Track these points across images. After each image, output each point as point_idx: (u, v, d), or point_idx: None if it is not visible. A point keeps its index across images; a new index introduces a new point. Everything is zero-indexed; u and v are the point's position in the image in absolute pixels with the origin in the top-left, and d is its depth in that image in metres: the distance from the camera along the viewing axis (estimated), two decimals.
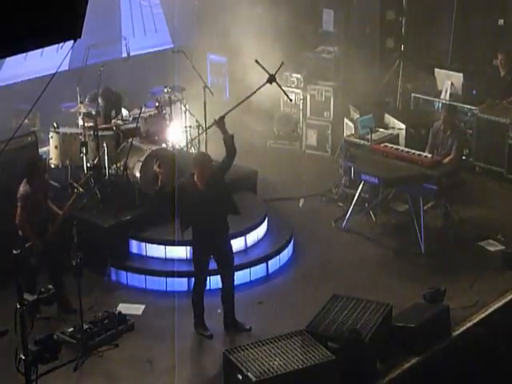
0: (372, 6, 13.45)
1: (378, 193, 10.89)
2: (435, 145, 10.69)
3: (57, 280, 8.44)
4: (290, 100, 11.72)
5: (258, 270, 9.48)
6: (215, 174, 8.14)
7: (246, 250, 9.71)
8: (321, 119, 13.09)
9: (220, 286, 8.49)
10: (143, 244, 9.60)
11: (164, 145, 10.62)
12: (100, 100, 10.60)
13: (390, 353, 7.81)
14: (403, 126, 11.71)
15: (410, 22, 13.37)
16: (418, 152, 10.39)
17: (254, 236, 9.83)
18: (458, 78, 12.47)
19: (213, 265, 8.42)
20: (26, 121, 10.08)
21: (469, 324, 8.50)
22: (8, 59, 10.06)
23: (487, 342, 8.29)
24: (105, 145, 10.20)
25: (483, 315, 8.67)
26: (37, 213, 8.43)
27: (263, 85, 8.72)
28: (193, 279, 8.68)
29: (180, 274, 9.20)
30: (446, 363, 7.96)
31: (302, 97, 13.22)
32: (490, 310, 8.77)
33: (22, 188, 8.44)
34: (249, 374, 6.90)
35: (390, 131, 11.73)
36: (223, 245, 8.27)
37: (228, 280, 8.34)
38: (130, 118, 10.77)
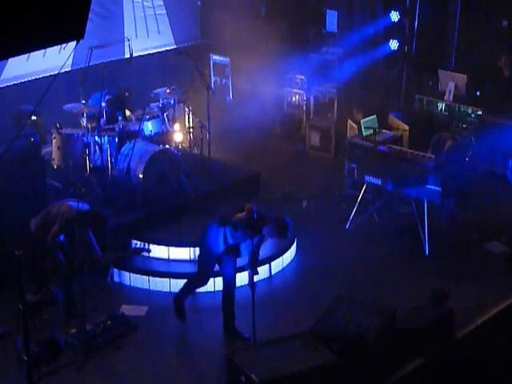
0: (375, 7, 13.44)
1: (382, 194, 10.87)
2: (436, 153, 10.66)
3: (68, 284, 8.44)
4: None
5: (260, 272, 9.44)
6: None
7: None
8: (324, 120, 13.08)
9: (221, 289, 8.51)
10: (146, 245, 9.57)
11: (167, 146, 10.60)
12: (103, 101, 10.59)
13: (393, 355, 7.78)
14: (407, 127, 11.68)
15: (414, 22, 13.36)
16: (421, 153, 10.37)
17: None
18: (461, 79, 12.45)
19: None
20: (34, 117, 10.07)
21: (472, 326, 8.47)
22: (11, 60, 10.04)
23: (491, 343, 8.26)
24: (108, 146, 10.19)
25: (487, 317, 8.64)
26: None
27: None
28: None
29: (183, 276, 9.20)
30: (450, 365, 7.93)
31: (305, 98, 13.21)
32: (493, 312, 8.73)
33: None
34: (252, 375, 6.88)
35: (393, 132, 11.70)
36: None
37: (224, 289, 8.36)
38: (133, 119, 10.76)
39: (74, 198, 8.66)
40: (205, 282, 8.55)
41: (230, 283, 8.32)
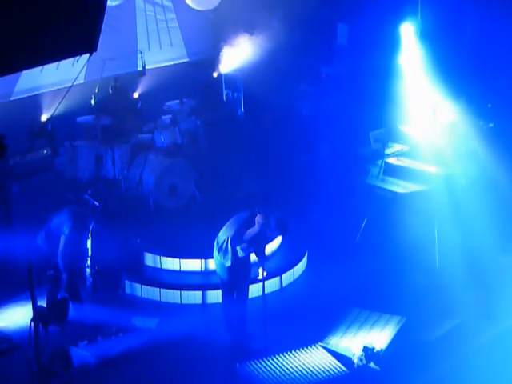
0: (386, 19, 13.45)
1: (392, 206, 10.84)
2: None
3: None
4: None
5: (272, 284, 9.45)
6: None
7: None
8: None
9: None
10: (158, 257, 9.60)
11: (179, 158, 10.64)
12: (115, 113, 10.66)
13: (404, 366, 7.77)
14: (419, 139, 11.65)
15: (425, 33, 13.36)
16: (431, 165, 10.36)
17: (268, 249, 9.79)
18: (473, 90, 12.44)
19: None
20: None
21: (483, 337, 8.45)
22: (24, 72, 10.12)
23: (501, 355, 8.23)
24: (120, 157, 10.24)
25: (498, 329, 8.62)
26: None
27: None
28: (207, 292, 8.96)
29: (194, 287, 9.23)
30: (461, 377, 7.91)
31: None
32: (504, 324, 8.71)
33: None
34: None
35: (404, 145, 11.67)
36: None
37: (236, 300, 8.43)
38: (146, 131, 10.82)
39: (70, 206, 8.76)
40: (241, 300, 8.40)
41: (242, 294, 8.33)
